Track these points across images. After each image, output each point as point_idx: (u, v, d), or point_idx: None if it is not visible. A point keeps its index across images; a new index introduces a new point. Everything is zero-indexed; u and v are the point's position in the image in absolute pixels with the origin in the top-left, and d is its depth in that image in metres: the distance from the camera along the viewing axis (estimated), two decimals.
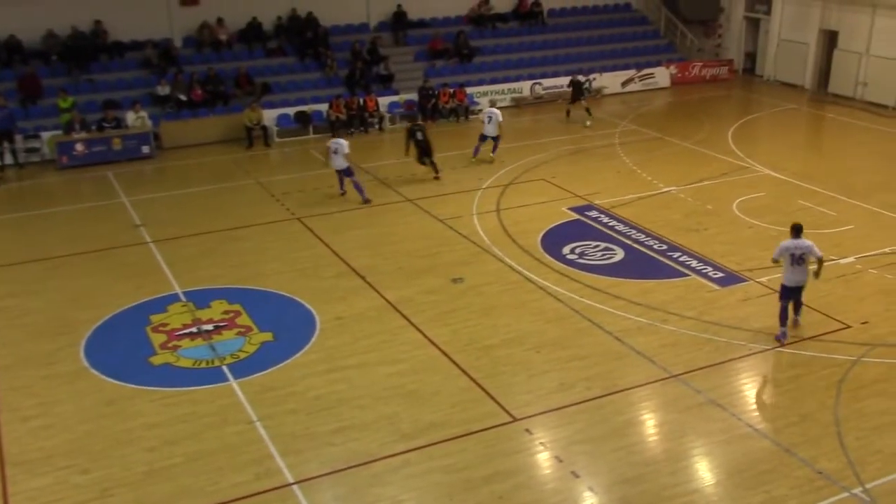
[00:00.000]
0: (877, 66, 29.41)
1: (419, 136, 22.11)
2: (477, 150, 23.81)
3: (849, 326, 14.14)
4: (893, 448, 11.02)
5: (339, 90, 28.13)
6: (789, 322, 13.80)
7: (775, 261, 13.60)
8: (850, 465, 10.65)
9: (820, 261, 13.50)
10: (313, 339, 14.13)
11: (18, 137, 24.46)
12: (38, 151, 24.77)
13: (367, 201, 20.55)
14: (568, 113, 28.28)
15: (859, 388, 12.37)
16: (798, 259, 13.33)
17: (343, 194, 21.13)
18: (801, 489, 10.26)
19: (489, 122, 23.49)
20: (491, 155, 23.74)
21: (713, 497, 10.32)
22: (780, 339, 13.64)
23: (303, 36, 29.73)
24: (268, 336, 14.26)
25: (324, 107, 27.24)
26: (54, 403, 12.45)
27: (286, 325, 14.59)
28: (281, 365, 13.34)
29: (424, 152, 22.20)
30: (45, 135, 24.79)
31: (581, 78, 28.26)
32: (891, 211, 19.33)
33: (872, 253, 17.06)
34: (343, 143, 20.76)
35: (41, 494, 10.49)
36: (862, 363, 13.02)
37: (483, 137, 23.62)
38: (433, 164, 22.33)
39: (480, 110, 29.09)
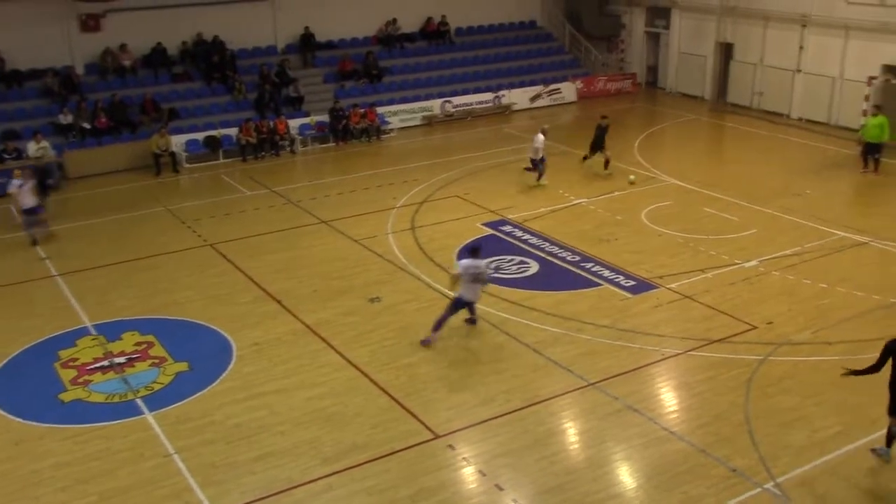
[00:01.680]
0: (770, 76, 30.64)
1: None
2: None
3: (755, 327, 14.65)
4: (801, 442, 11.45)
5: (248, 113, 27.85)
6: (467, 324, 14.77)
7: (456, 277, 14.16)
8: (761, 461, 11.01)
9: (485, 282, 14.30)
10: (230, 367, 13.91)
11: None
12: None
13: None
14: (585, 158, 25.07)
15: (767, 385, 12.82)
16: (475, 277, 13.90)
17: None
18: (716, 487, 10.56)
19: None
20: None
21: (634, 500, 10.53)
22: (427, 343, 14.26)
23: (209, 60, 29.35)
24: (183, 366, 13.98)
25: (234, 131, 26.93)
26: None
27: (202, 354, 14.33)
28: (198, 395, 13.09)
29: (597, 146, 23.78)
30: None
31: (604, 123, 24.31)
32: (790, 214, 20.12)
33: (774, 255, 17.71)
34: (17, 183, 19.67)
35: None
36: (769, 362, 13.49)
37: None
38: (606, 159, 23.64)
39: (392, 130, 29.30)
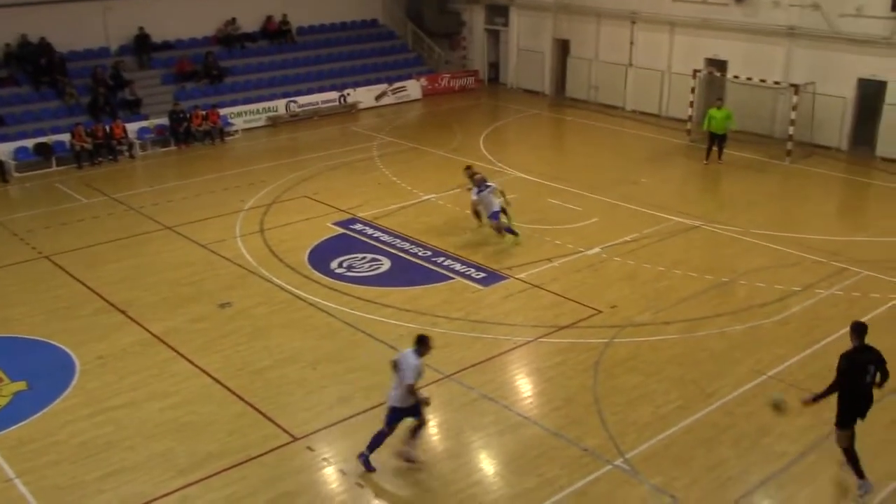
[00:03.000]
0: (605, 70, 31.93)
1: None
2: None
3: (600, 312, 15.26)
4: (646, 418, 12.03)
5: (82, 118, 26.57)
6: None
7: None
8: (611, 440, 11.50)
9: (410, 390, 10.66)
10: (73, 383, 13.27)
11: None
12: None
13: None
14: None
15: (613, 366, 13.40)
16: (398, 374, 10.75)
17: None
18: (570, 468, 10.95)
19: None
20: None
21: (492, 486, 10.78)
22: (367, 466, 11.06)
23: (36, 63, 27.80)
24: (21, 385, 13.22)
25: (66, 137, 25.62)
26: None
27: (41, 372, 13.59)
28: (38, 415, 12.42)
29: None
30: None
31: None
32: (628, 202, 21.06)
33: (615, 242, 18.50)
34: None
35: None
36: (614, 344, 14.09)
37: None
38: None
39: (236, 131, 28.68)
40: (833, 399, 10.24)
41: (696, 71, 27.29)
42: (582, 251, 18.01)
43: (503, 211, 18.60)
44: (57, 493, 10.69)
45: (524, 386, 13.26)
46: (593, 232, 19.19)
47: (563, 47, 33.65)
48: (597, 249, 18.12)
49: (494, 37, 36.59)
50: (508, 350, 14.11)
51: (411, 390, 10.60)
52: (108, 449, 11.60)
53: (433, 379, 13.11)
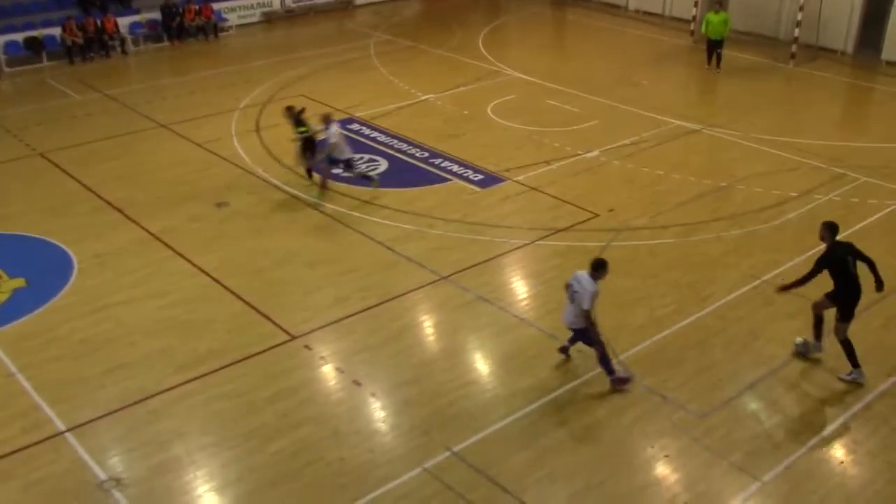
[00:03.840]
0: None
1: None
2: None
3: (598, 215, 15.25)
4: (640, 321, 12.17)
5: (72, 12, 25.91)
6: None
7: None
8: (605, 341, 11.62)
9: (586, 315, 10.44)
10: (71, 281, 13.33)
11: None
12: None
13: None
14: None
15: (610, 270, 13.41)
16: (570, 295, 10.59)
17: None
18: (563, 369, 11.13)
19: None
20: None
21: (487, 385, 10.97)
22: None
23: None
24: (20, 282, 13.29)
25: (57, 31, 25.04)
26: None
27: (39, 269, 13.65)
28: (38, 311, 12.52)
29: None
30: None
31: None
32: (628, 105, 20.80)
33: (614, 145, 18.35)
34: None
35: None
36: (611, 247, 14.13)
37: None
38: None
39: (229, 27, 28.07)
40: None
41: None
42: (580, 154, 17.89)
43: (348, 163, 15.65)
44: (59, 388, 10.86)
45: (520, 288, 13.36)
46: (592, 134, 19.01)
47: None
48: (595, 152, 17.99)
49: None
50: (505, 252, 14.15)
51: (588, 316, 10.35)
52: (109, 345, 11.74)
53: (429, 280, 13.21)
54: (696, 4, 26.60)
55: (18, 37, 24.81)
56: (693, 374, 11.03)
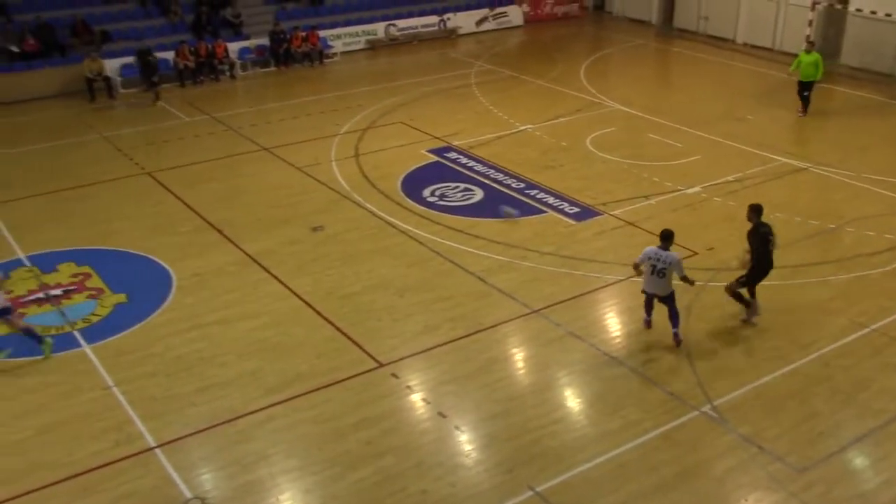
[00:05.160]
0: (716, 1, 30.47)
1: None
2: None
3: (696, 253, 14.80)
4: (737, 365, 11.69)
5: (185, 37, 26.91)
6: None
7: (636, 266, 12.18)
8: (699, 385, 11.22)
9: (684, 279, 11.92)
10: (170, 298, 13.67)
11: None
12: None
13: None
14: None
15: (707, 310, 13.00)
16: (658, 272, 11.89)
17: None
18: (655, 411, 10.75)
19: None
20: None
21: (575, 425, 10.69)
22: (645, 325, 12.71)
23: None
24: (121, 297, 13.70)
25: (170, 55, 26.02)
26: None
27: (140, 285, 14.05)
28: (137, 327, 12.87)
29: None
30: None
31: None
32: (733, 140, 20.23)
33: (717, 181, 17.83)
34: None
35: None
36: (709, 288, 13.67)
37: None
38: None
39: (334, 54, 28.65)
40: None
41: (815, 3, 25.76)
42: (681, 189, 17.45)
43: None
44: (152, 404, 11.09)
45: (613, 325, 13.03)
46: (694, 170, 18.53)
47: None
48: (696, 188, 17.52)
49: None
50: (599, 288, 13.85)
51: (688, 278, 11.91)
52: (202, 364, 11.95)
53: (520, 313, 13.02)
54: (808, 39, 25.76)
55: (134, 60, 25.83)
56: (793, 425, 10.50)
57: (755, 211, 12.47)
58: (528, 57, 29.23)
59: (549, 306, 13.21)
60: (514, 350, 12.46)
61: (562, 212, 16.58)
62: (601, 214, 16.40)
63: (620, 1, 34.42)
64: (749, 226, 12.47)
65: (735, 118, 21.97)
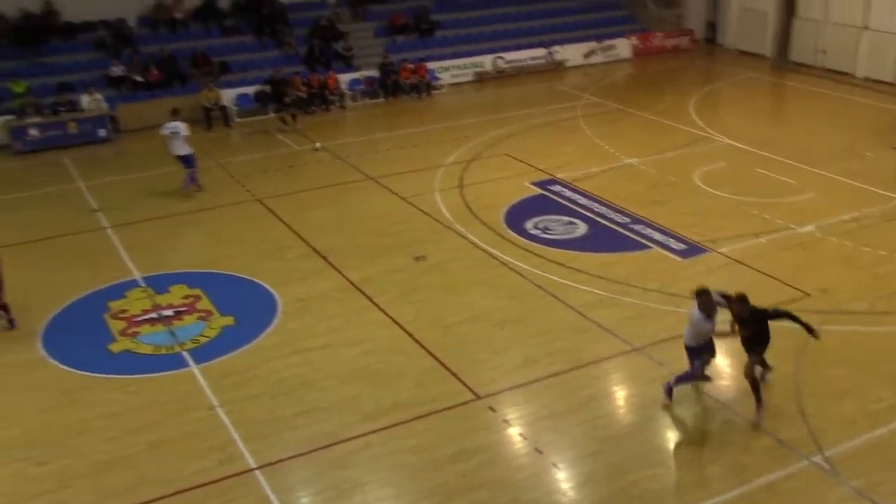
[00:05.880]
0: (835, 33, 29.57)
1: None
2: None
3: (808, 295, 14.24)
4: (851, 415, 11.14)
5: (298, 68, 27.76)
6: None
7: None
8: (810, 434, 10.74)
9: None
10: (275, 322, 13.99)
11: None
12: None
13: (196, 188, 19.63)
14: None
15: (819, 355, 12.46)
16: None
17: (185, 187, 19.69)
18: (761, 459, 10.34)
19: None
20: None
21: (676, 468, 10.39)
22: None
23: (259, 13, 29.27)
24: (228, 320, 14.09)
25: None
26: (10, 394, 12.24)
27: (247, 309, 14.42)
28: (242, 349, 13.20)
29: None
30: None
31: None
32: (850, 178, 19.46)
33: (832, 220, 17.16)
34: (180, 126, 19.15)
35: None
36: (821, 331, 13.09)
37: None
38: None
39: (442, 86, 29.00)
40: None
41: None
42: (793, 228, 16.86)
43: None
44: (254, 425, 11.32)
45: (718, 366, 12.62)
46: (807, 208, 17.90)
47: (788, 6, 31.44)
48: (810, 227, 16.90)
49: None
50: None
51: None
52: (303, 388, 12.15)
53: (621, 350, 12.78)
54: None
55: (250, 90, 26.81)
56: None
57: (742, 301, 11.03)
58: (635, 90, 28.95)
59: (651, 344, 12.92)
60: (615, 387, 12.22)
61: (667, 248, 16.25)
62: (708, 252, 16.00)
63: (733, 33, 33.75)
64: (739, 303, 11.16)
65: (853, 155, 21.15)
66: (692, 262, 15.62)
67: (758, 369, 11.35)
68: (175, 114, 19.95)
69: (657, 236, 16.74)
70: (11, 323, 14.00)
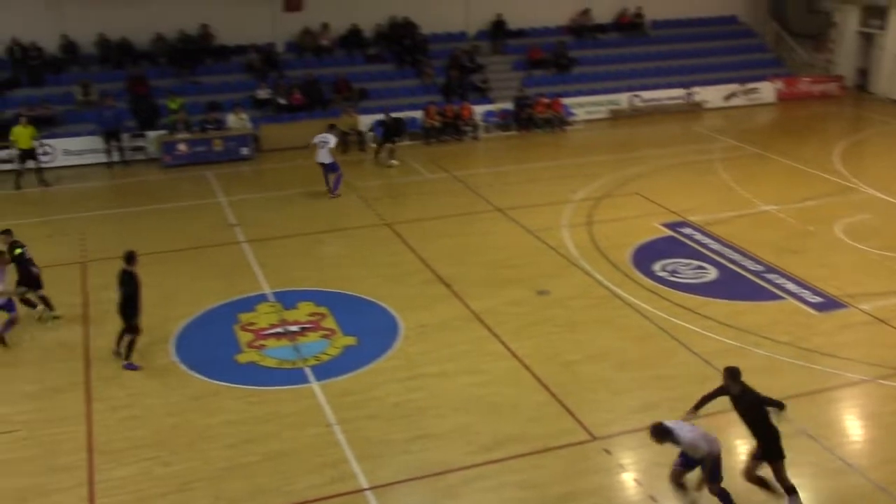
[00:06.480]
0: None
1: None
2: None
3: None
4: None
5: (434, 98, 28.25)
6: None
7: None
8: None
9: None
10: (395, 346, 14.15)
11: (125, 136, 25.39)
12: (144, 150, 25.68)
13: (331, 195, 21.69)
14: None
15: None
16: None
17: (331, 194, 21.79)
18: None
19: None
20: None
21: None
22: None
23: (402, 43, 30.01)
24: (351, 340, 14.35)
25: (419, 114, 27.39)
26: (143, 396, 12.80)
27: (370, 330, 14.66)
28: (362, 370, 13.41)
29: None
30: (151, 134, 25.68)
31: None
32: None
33: None
34: (330, 138, 21.50)
35: (125, 484, 10.78)
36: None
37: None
38: None
39: (576, 122, 28.90)
40: None
41: None
42: None
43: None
44: (368, 446, 11.45)
45: (852, 429, 11.97)
46: None
47: None
48: None
49: (867, 40, 33.35)
50: (838, 386, 12.80)
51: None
52: (419, 413, 12.22)
53: None
54: None
55: (385, 117, 27.40)
56: None
57: (732, 376, 10.09)
58: (777, 135, 28.04)
59: (780, 400, 12.33)
60: (739, 441, 11.68)
61: (802, 300, 15.57)
62: (847, 307, 15.23)
63: (886, 81, 32.26)
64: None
65: None
66: (828, 317, 14.92)
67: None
68: (331, 128, 22.30)
69: (792, 287, 16.07)
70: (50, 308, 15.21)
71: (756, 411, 9.96)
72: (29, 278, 15.19)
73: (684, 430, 9.72)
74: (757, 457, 10.08)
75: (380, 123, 25.62)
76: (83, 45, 27.62)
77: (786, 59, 34.30)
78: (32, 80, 26.64)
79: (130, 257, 13.62)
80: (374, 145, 25.85)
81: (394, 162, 24.74)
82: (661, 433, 9.66)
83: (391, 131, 25.26)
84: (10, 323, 14.40)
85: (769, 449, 9.93)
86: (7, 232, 15.51)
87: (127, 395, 12.83)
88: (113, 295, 13.94)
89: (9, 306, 14.43)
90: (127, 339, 13.63)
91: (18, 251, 15.14)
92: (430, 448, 11.42)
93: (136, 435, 11.80)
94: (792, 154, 24.96)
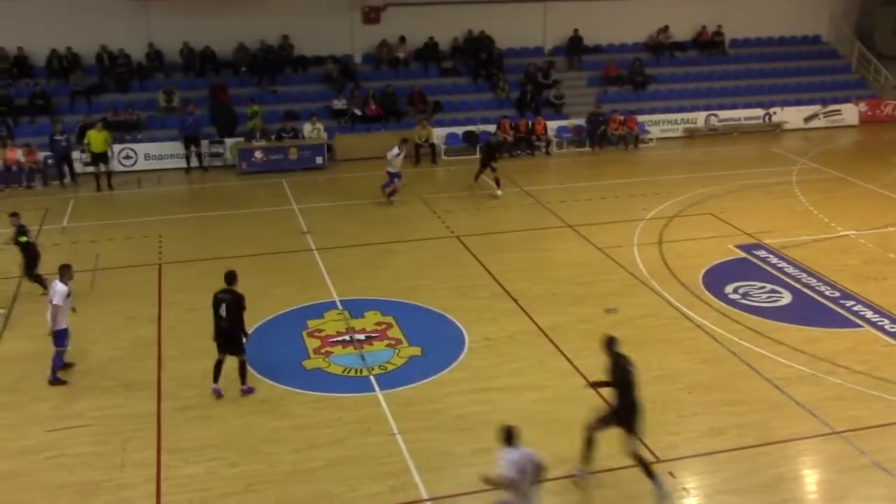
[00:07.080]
0: None
1: None
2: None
3: None
4: None
5: (508, 112, 28.31)
6: None
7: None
8: None
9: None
10: (460, 358, 14.17)
11: (204, 142, 26.06)
12: (222, 157, 26.30)
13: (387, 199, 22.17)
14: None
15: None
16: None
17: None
18: None
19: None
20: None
21: None
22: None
23: (477, 57, 30.14)
24: (416, 350, 14.43)
25: (492, 127, 27.45)
26: (212, 397, 13.04)
27: (435, 342, 14.71)
28: (426, 380, 13.46)
29: None
30: (229, 141, 26.29)
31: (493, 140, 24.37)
32: None
33: None
34: (397, 151, 21.93)
35: (192, 482, 11.00)
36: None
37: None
38: None
39: (650, 139, 28.62)
40: None
41: None
42: None
43: None
44: (429, 457, 11.47)
45: None
46: None
47: None
48: None
49: None
50: None
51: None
52: (481, 426, 12.15)
53: (819, 432, 11.95)
54: None
55: (458, 130, 27.59)
56: None
57: (609, 343, 10.76)
58: (859, 158, 27.30)
59: (853, 430, 12.00)
60: (808, 471, 11.44)
61: (881, 329, 15.11)
62: None
63: None
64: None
65: None
66: None
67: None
68: (403, 142, 22.57)
69: (870, 315, 15.61)
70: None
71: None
72: (36, 259, 16.50)
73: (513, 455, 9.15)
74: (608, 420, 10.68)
75: (485, 142, 24.35)
76: (168, 53, 28.48)
77: (870, 81, 33.41)
78: (119, 87, 27.59)
79: (232, 277, 13.01)
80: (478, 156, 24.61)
81: (499, 193, 22.92)
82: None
83: (493, 153, 23.24)
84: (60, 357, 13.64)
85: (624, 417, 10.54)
86: (15, 214, 16.66)
87: (197, 395, 13.10)
88: (183, 299, 14.09)
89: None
90: (238, 363, 13.07)
91: (24, 239, 16.33)
92: (490, 462, 11.32)
93: (204, 435, 12.04)
94: (874, 178, 24.29)
